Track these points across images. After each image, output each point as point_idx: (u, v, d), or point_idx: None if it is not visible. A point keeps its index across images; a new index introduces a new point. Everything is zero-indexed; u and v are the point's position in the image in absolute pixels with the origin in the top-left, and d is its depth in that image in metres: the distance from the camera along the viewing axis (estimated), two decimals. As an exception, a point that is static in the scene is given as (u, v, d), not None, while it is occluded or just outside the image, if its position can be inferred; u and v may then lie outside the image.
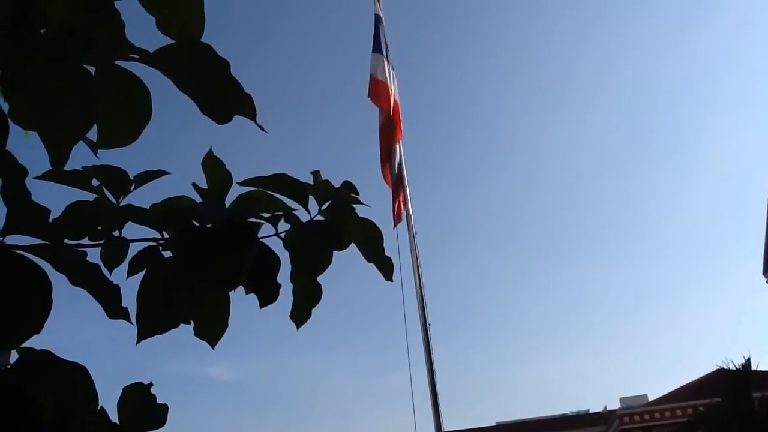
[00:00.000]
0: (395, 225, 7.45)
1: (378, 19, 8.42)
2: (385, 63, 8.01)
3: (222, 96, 1.01)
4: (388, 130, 7.75)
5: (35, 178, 1.18)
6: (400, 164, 7.79)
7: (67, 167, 1.22)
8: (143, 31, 0.99)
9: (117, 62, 0.96)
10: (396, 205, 7.50)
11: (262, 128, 1.05)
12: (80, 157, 1.20)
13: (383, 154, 7.75)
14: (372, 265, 1.45)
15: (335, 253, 1.39)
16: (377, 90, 7.81)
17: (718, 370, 14.83)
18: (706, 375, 21.27)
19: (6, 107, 0.97)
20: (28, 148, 1.13)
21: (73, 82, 0.91)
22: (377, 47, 8.16)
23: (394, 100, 7.91)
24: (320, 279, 1.41)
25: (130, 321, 1.18)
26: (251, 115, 1.03)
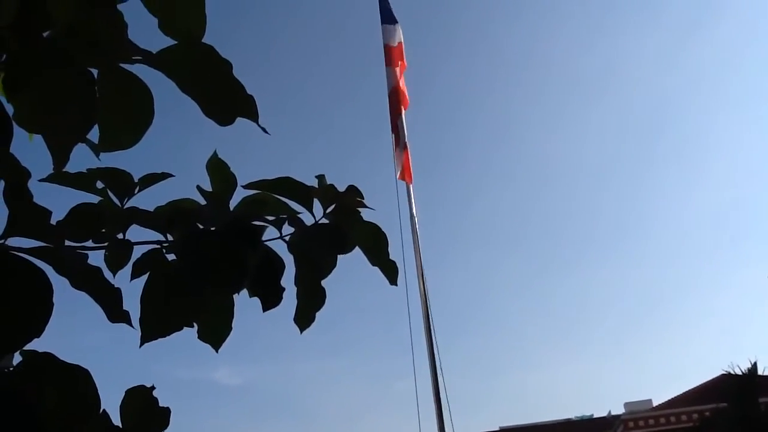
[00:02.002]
0: (409, 182, 7.79)
1: None
2: (397, 29, 8.38)
3: (224, 97, 1.00)
4: (397, 95, 8.11)
5: (40, 180, 1.17)
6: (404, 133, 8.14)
7: (74, 170, 1.22)
8: (146, 32, 0.98)
9: (120, 64, 0.96)
10: (406, 164, 7.82)
11: (264, 130, 1.04)
12: (87, 160, 1.20)
13: (393, 117, 8.07)
14: (377, 269, 1.45)
15: (340, 256, 1.39)
16: (392, 56, 8.22)
17: (723, 375, 14.76)
18: (711, 380, 21.15)
19: (11, 110, 0.97)
20: (32, 152, 1.12)
21: (76, 84, 0.90)
22: (386, 18, 8.44)
23: (403, 63, 8.33)
24: (325, 283, 1.40)
25: (131, 324, 1.18)
26: (253, 116, 1.02)
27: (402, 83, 8.32)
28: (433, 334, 7.17)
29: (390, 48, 8.37)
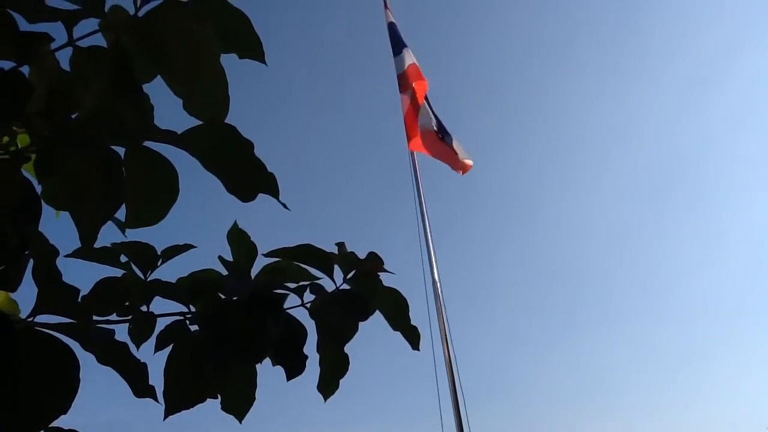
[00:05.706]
0: (463, 173, 7.60)
1: (392, 26, 8.44)
2: (407, 52, 8.08)
3: (246, 176, 1.03)
4: (415, 110, 7.84)
5: (66, 256, 1.20)
6: (440, 126, 7.83)
7: (97, 244, 1.24)
8: (169, 110, 1.01)
9: (145, 143, 0.99)
10: (451, 156, 7.55)
11: (284, 206, 1.07)
12: (110, 233, 1.22)
13: (412, 131, 7.74)
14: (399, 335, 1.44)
15: (363, 322, 1.39)
16: (406, 81, 7.91)
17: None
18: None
19: (39, 189, 1.00)
20: (57, 225, 1.15)
21: (103, 165, 0.93)
22: (398, 49, 8.18)
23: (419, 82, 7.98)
24: (348, 349, 1.40)
25: (156, 400, 1.18)
26: (274, 193, 1.05)
27: (420, 96, 7.90)
28: (460, 398, 7.03)
29: (402, 75, 7.99)
